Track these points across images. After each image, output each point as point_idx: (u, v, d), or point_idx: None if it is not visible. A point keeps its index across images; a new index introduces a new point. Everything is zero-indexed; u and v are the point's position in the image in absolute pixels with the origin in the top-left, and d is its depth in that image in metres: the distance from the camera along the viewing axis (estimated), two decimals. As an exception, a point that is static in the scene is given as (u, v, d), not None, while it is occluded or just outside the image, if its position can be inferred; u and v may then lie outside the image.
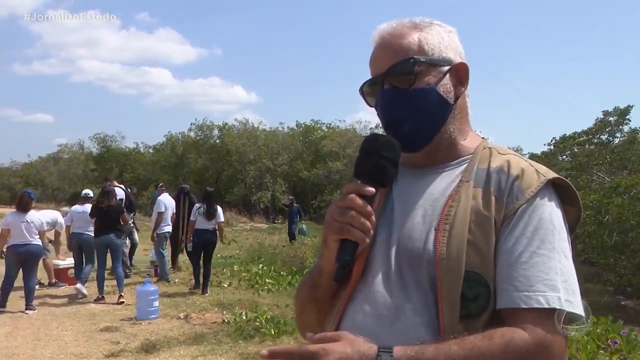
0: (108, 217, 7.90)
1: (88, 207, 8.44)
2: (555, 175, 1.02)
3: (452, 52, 1.08)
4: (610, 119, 20.28)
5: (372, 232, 0.99)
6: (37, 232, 7.38)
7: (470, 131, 1.13)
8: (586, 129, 20.20)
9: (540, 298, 0.92)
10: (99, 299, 7.76)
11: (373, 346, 0.89)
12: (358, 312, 1.01)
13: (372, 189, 0.98)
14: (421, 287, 0.97)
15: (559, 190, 1.03)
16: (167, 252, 10.79)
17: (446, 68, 1.06)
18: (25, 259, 7.25)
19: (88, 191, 9.27)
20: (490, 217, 0.98)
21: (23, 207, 7.41)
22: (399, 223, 1.04)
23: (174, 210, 9.87)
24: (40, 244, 7.51)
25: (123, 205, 8.90)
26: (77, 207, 8.72)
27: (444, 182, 1.05)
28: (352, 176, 1.04)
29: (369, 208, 0.97)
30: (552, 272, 0.94)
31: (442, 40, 1.08)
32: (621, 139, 20.17)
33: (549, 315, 0.92)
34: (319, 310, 1.11)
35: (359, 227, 0.96)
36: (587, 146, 19.82)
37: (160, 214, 9.53)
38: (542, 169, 1.04)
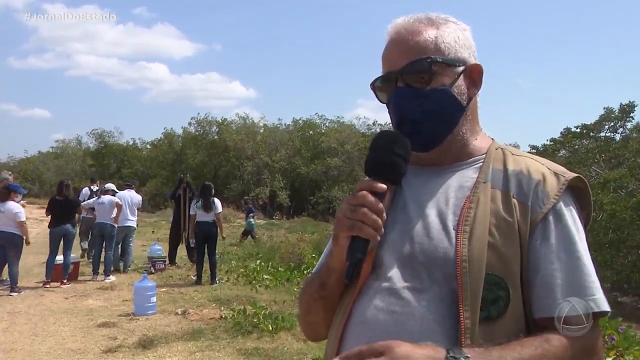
0: (65, 209, 8.67)
1: (108, 198, 9.54)
2: (573, 174, 1.03)
3: (467, 51, 1.07)
4: (612, 115, 20.31)
5: (382, 229, 0.97)
6: (12, 222, 7.97)
7: (480, 131, 1.12)
8: (586, 124, 20.22)
9: (591, 303, 0.94)
10: (46, 283, 8.46)
11: (441, 350, 0.86)
12: (369, 308, 0.99)
13: (384, 186, 0.96)
14: (436, 285, 0.96)
15: (575, 192, 1.04)
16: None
17: (461, 68, 1.05)
18: (2, 244, 7.94)
19: (110, 185, 10.33)
20: (514, 222, 0.98)
21: (1, 197, 8.00)
22: (414, 220, 1.02)
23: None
24: (17, 232, 8.02)
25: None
26: (99, 199, 9.74)
27: (458, 181, 1.05)
28: (364, 172, 1.01)
29: (381, 205, 0.95)
30: (592, 275, 0.97)
31: (458, 39, 1.07)
32: (622, 134, 20.23)
33: (595, 317, 0.95)
34: (326, 310, 1.09)
35: (370, 225, 0.94)
36: (586, 142, 19.83)
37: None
38: (559, 169, 1.04)
